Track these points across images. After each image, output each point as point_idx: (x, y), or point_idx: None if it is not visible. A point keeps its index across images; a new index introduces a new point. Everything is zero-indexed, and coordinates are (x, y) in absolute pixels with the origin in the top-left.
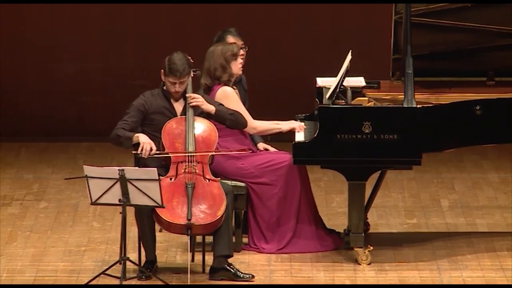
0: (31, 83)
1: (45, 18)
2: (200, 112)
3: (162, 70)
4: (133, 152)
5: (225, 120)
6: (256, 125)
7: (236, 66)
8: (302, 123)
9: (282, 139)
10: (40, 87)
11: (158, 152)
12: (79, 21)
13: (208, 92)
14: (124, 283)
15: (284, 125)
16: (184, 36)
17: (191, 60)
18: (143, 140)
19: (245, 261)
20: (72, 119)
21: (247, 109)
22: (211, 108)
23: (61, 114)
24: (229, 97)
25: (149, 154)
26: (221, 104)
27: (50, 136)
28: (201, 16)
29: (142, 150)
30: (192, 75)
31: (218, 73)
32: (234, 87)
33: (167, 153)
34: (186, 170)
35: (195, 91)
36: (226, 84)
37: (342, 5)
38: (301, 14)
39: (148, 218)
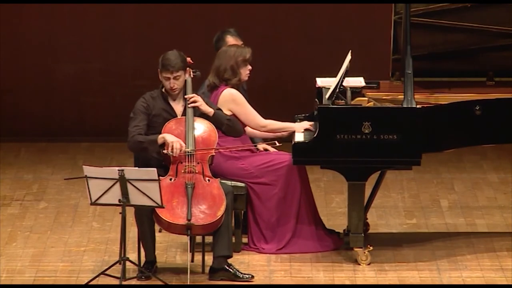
0: (31, 83)
1: (45, 18)
2: (199, 114)
3: (159, 69)
4: (162, 152)
5: (221, 125)
6: (266, 123)
7: (245, 72)
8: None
9: (281, 139)
10: (40, 87)
11: (188, 149)
12: (79, 21)
13: (212, 90)
14: (124, 283)
15: (297, 126)
16: (184, 36)
17: (191, 61)
18: (172, 139)
19: (244, 261)
20: (72, 119)
21: None
22: (209, 110)
23: (61, 114)
24: (236, 100)
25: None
26: (219, 109)
27: (50, 136)
28: (201, 16)
29: (172, 149)
30: (191, 76)
31: (227, 75)
32: None
33: (194, 150)
34: (186, 170)
35: (195, 91)
36: (232, 87)
37: (342, 5)
38: (301, 14)
39: (148, 218)
